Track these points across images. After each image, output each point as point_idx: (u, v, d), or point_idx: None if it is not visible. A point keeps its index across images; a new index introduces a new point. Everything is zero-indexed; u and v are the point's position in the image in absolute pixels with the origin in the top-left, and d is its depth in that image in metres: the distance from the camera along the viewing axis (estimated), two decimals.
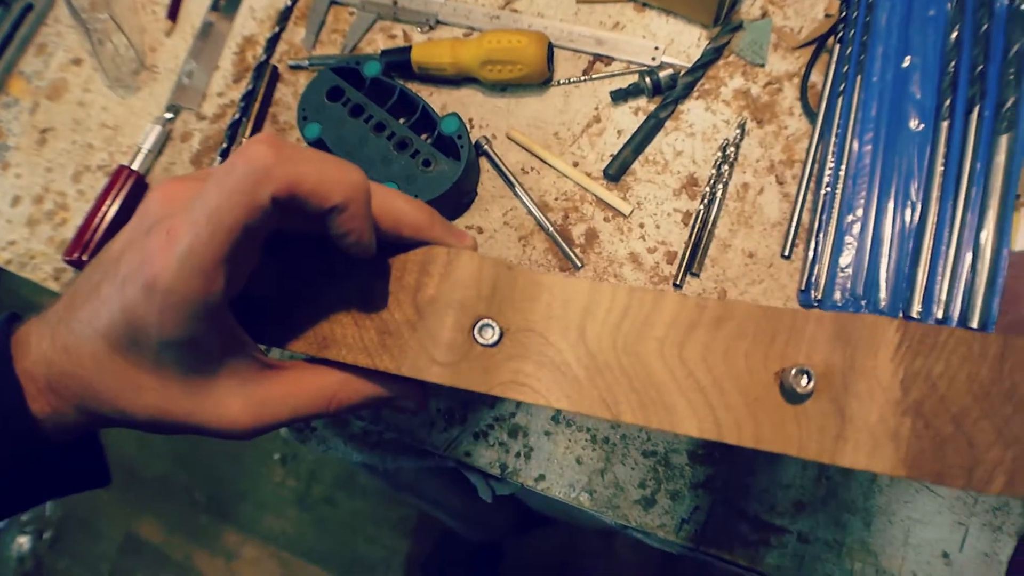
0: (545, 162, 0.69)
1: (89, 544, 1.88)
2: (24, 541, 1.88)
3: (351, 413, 0.50)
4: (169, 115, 0.74)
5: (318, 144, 0.67)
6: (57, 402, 0.40)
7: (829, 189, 0.63)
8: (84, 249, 0.69)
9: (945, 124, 0.62)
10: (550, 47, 0.69)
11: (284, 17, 0.76)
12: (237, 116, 0.73)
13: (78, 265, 0.70)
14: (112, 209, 0.70)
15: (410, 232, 0.45)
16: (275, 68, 0.74)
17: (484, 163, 0.70)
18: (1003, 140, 0.61)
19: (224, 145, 0.72)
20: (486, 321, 0.42)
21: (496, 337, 0.42)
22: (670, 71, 0.68)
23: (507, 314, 0.43)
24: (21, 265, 0.73)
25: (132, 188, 0.71)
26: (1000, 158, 0.61)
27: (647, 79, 0.68)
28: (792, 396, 0.37)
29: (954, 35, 0.64)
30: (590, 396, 0.40)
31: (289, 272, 0.47)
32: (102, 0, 0.72)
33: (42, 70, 0.80)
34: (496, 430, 0.64)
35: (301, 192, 0.37)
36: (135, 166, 0.72)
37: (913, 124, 0.63)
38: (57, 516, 1.88)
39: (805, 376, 0.36)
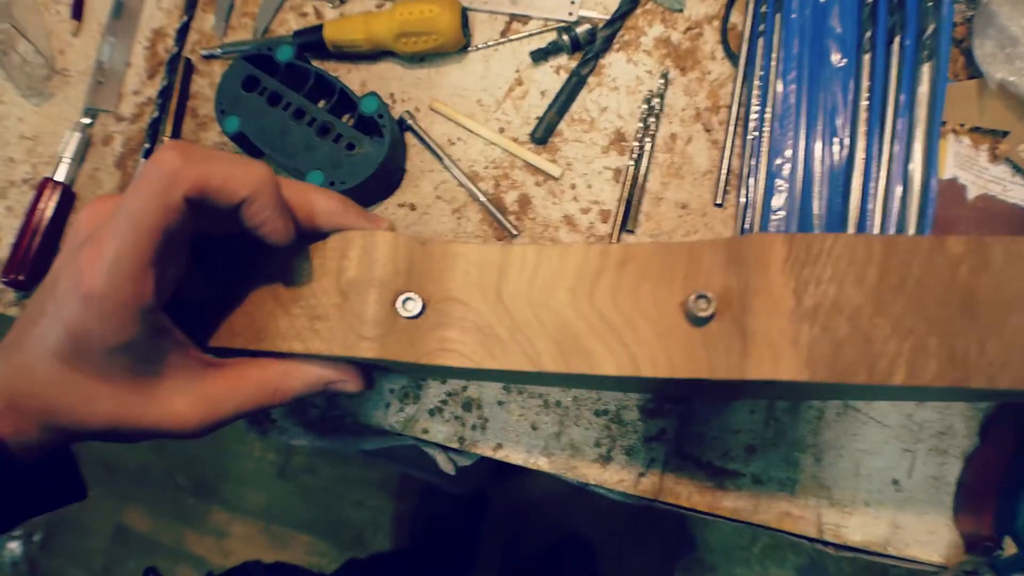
0: (471, 131, 0.68)
1: (80, 541, 1.90)
2: (15, 546, 1.91)
3: (297, 402, 0.52)
4: (87, 120, 0.73)
5: (239, 137, 0.66)
6: (21, 423, 0.42)
7: (756, 133, 0.63)
8: (20, 268, 0.68)
9: (867, 57, 0.62)
10: (464, 12, 0.67)
11: (191, 5, 0.73)
12: (156, 114, 0.71)
13: (15, 285, 0.69)
14: (43, 224, 0.69)
15: (325, 220, 0.47)
16: (188, 60, 0.72)
17: (410, 138, 0.69)
18: (925, 69, 0.60)
19: (146, 146, 0.71)
20: (408, 295, 0.44)
21: (419, 308, 0.44)
22: (588, 25, 0.66)
23: (426, 286, 0.45)
24: None
25: (60, 200, 0.70)
26: (923, 87, 0.60)
27: (565, 36, 0.66)
28: (696, 321, 0.40)
29: None
30: (513, 352, 0.43)
31: (217, 276, 0.49)
32: (2, 6, 0.69)
33: None
34: (450, 404, 0.64)
35: (210, 190, 0.40)
36: (59, 177, 0.70)
37: (835, 59, 0.62)
38: (44, 517, 1.90)
39: (703, 300, 0.39)
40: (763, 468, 0.60)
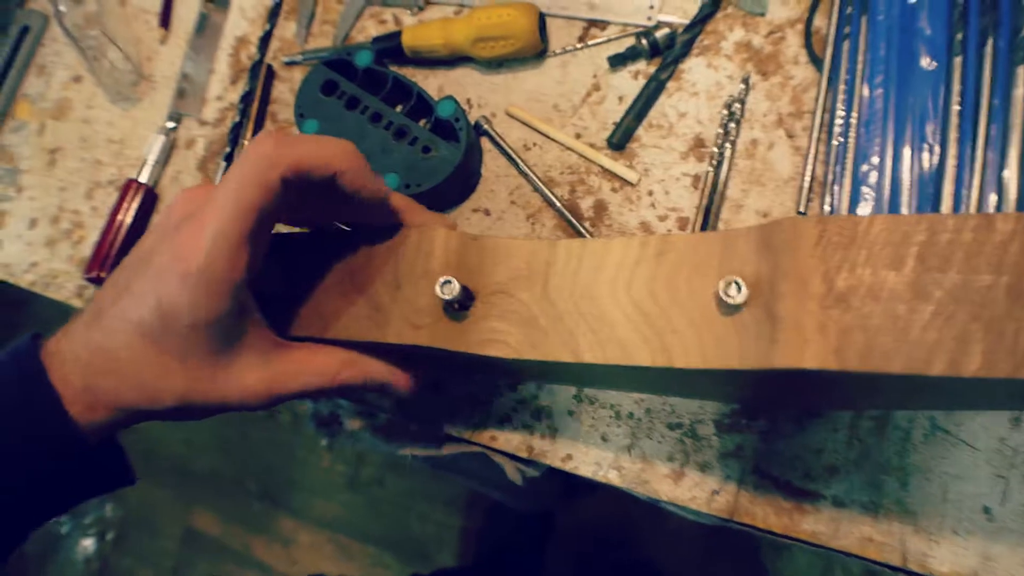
0: (547, 136, 0.67)
1: (150, 541, 1.94)
2: (88, 543, 1.96)
3: (351, 392, 0.54)
4: (171, 124, 0.75)
5: None
6: (93, 402, 0.43)
7: (842, 139, 0.61)
8: (103, 265, 0.70)
9: (958, 60, 0.59)
10: (541, 17, 0.67)
11: (274, 13, 0.75)
12: (237, 119, 0.72)
13: (99, 282, 0.71)
14: (125, 223, 0.71)
15: (393, 213, 0.51)
16: (270, 66, 0.74)
17: (486, 143, 0.69)
18: (1020, 71, 0.57)
19: (228, 149, 0.72)
20: (446, 278, 0.45)
21: (457, 291, 0.45)
22: (667, 30, 0.65)
23: (476, 279, 0.47)
24: (45, 285, 0.75)
25: (142, 201, 0.72)
26: (1019, 91, 0.57)
27: (644, 40, 0.65)
28: (728, 309, 0.39)
29: None
30: (554, 342, 0.44)
31: (290, 270, 0.52)
32: (94, 15, 0.72)
33: (45, 91, 0.81)
34: (520, 413, 0.63)
35: (307, 167, 0.44)
36: (143, 178, 0.72)
37: (925, 63, 0.60)
38: (118, 516, 1.95)
39: (734, 286, 0.38)
40: (845, 490, 0.57)
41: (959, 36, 0.59)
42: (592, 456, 0.62)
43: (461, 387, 0.65)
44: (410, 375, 0.52)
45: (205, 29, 0.77)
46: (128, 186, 0.72)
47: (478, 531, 1.76)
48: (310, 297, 0.51)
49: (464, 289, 0.46)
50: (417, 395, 0.61)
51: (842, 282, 0.35)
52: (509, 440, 0.63)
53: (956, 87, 0.59)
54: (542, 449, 0.63)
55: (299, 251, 0.53)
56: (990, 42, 0.58)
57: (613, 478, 0.61)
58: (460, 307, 0.47)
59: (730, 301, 0.38)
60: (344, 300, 0.50)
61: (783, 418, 0.59)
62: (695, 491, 0.60)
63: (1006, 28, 0.58)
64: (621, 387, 0.61)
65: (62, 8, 0.71)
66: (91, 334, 0.43)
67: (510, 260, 0.47)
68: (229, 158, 0.72)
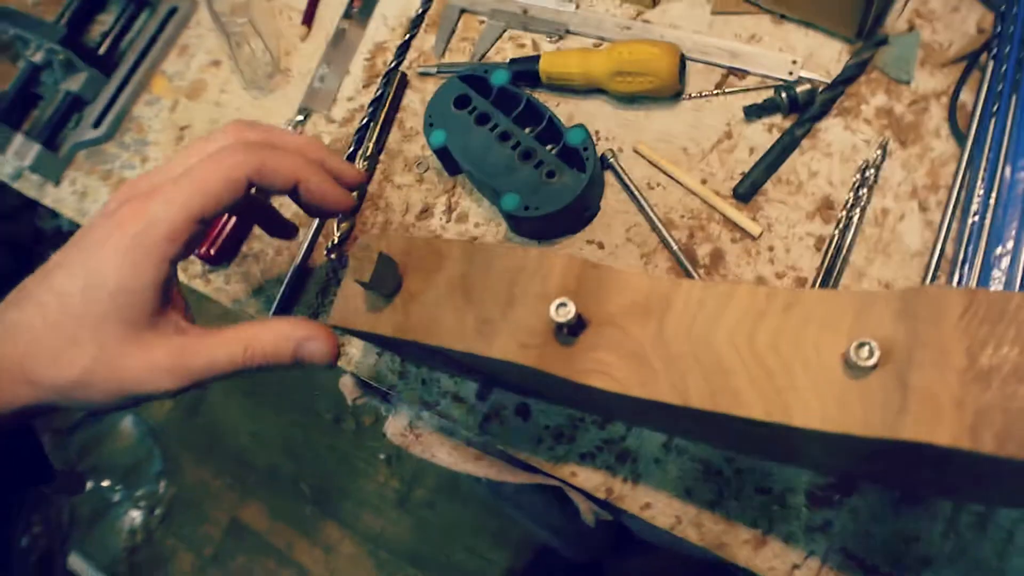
0: (672, 178, 0.66)
1: (196, 525, 1.96)
2: (136, 515, 1.99)
3: (269, 366, 0.52)
4: (300, 117, 0.76)
5: (442, 151, 0.67)
6: (6, 383, 0.44)
7: (977, 218, 0.59)
8: (212, 243, 0.72)
9: None
10: (682, 59, 0.67)
11: (415, 24, 0.76)
12: (365, 120, 0.74)
13: (205, 258, 0.72)
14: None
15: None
16: (404, 74, 0.75)
17: (609, 177, 0.68)
18: None
19: (351, 148, 0.73)
20: (561, 300, 0.44)
21: (572, 314, 0.44)
22: (808, 87, 0.65)
23: (591, 307, 0.47)
24: None
25: None
26: None
27: (783, 95, 0.65)
28: (857, 372, 0.37)
29: None
30: (663, 384, 0.43)
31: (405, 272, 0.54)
32: (242, 5, 0.74)
33: (183, 71, 0.83)
34: (604, 452, 0.62)
35: (268, 179, 0.48)
36: None
37: None
38: (169, 494, 1.98)
39: (866, 348, 0.36)
40: None
41: None
42: (673, 508, 0.60)
43: (549, 417, 0.64)
44: (330, 334, 0.52)
45: (341, 42, 0.79)
46: None
47: (523, 572, 1.73)
48: (422, 300, 0.51)
49: (578, 315, 0.45)
50: (503, 420, 0.61)
51: (986, 359, 0.34)
52: (590, 478, 0.62)
53: None
54: (622, 493, 0.61)
55: (418, 253, 0.53)
56: None
57: (691, 535, 0.59)
58: (570, 332, 0.46)
59: (860, 363, 0.37)
60: (453, 310, 0.50)
61: (879, 500, 0.56)
62: (774, 562, 0.57)
63: None
64: (716, 442, 0.60)
65: None
66: (8, 312, 0.45)
67: (628, 293, 0.47)
68: (352, 157, 0.73)
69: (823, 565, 0.56)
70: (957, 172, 0.60)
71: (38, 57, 0.79)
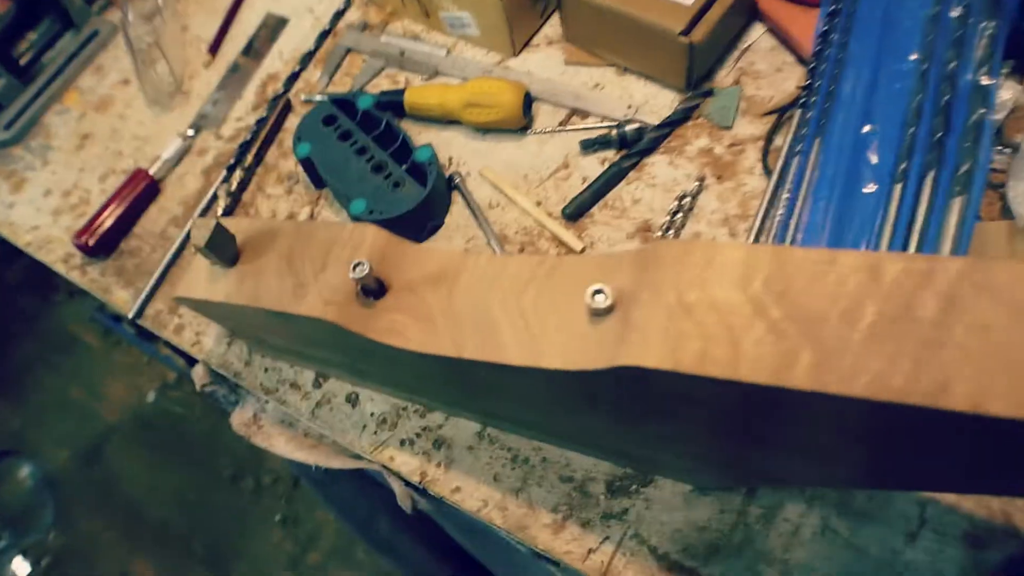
0: (511, 199, 0.72)
1: None
2: (22, 564, 1.92)
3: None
4: (191, 132, 0.83)
5: (307, 162, 0.74)
6: None
7: (776, 241, 0.64)
8: (91, 234, 0.76)
9: (899, 187, 0.63)
10: (528, 96, 0.74)
11: (306, 60, 0.85)
12: (248, 139, 0.80)
13: (84, 249, 0.77)
14: (124, 204, 0.78)
15: None
16: (289, 100, 0.83)
17: (457, 196, 0.74)
18: (956, 203, 0.60)
19: (231, 162, 0.80)
20: (358, 260, 0.48)
21: (366, 272, 0.48)
22: (637, 126, 0.72)
23: (394, 276, 0.51)
24: (38, 247, 0.81)
25: (144, 188, 0.79)
26: (952, 219, 0.60)
27: (614, 132, 0.72)
28: (594, 316, 0.41)
29: (915, 105, 0.65)
30: (444, 340, 0.47)
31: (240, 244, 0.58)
32: (154, 31, 0.82)
33: (95, 87, 0.91)
34: (422, 439, 0.65)
35: None
36: (152, 171, 0.80)
37: (868, 188, 0.64)
38: (58, 544, 1.92)
39: (600, 295, 0.40)
40: (722, 572, 0.56)
41: (903, 166, 0.63)
42: (480, 493, 0.62)
43: (377, 405, 0.67)
44: None
45: (243, 63, 0.87)
46: (136, 173, 0.79)
47: None
48: (250, 273, 0.56)
49: (378, 280, 0.50)
50: (334, 407, 0.64)
51: (692, 296, 0.38)
52: (407, 463, 0.64)
53: (892, 212, 0.62)
54: (435, 477, 0.64)
55: (256, 232, 0.58)
56: (931, 174, 0.62)
57: (496, 518, 0.61)
58: (372, 295, 0.50)
59: (595, 307, 0.40)
60: (277, 277, 0.54)
61: (673, 490, 0.59)
62: (572, 545, 0.59)
63: (948, 165, 0.62)
64: (523, 426, 0.63)
65: (130, 20, 0.81)
66: None
67: (427, 264, 0.51)
68: (231, 170, 0.79)
69: (617, 550, 0.58)
70: (762, 202, 0.66)
71: None
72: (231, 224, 0.60)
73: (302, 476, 0.91)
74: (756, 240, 0.65)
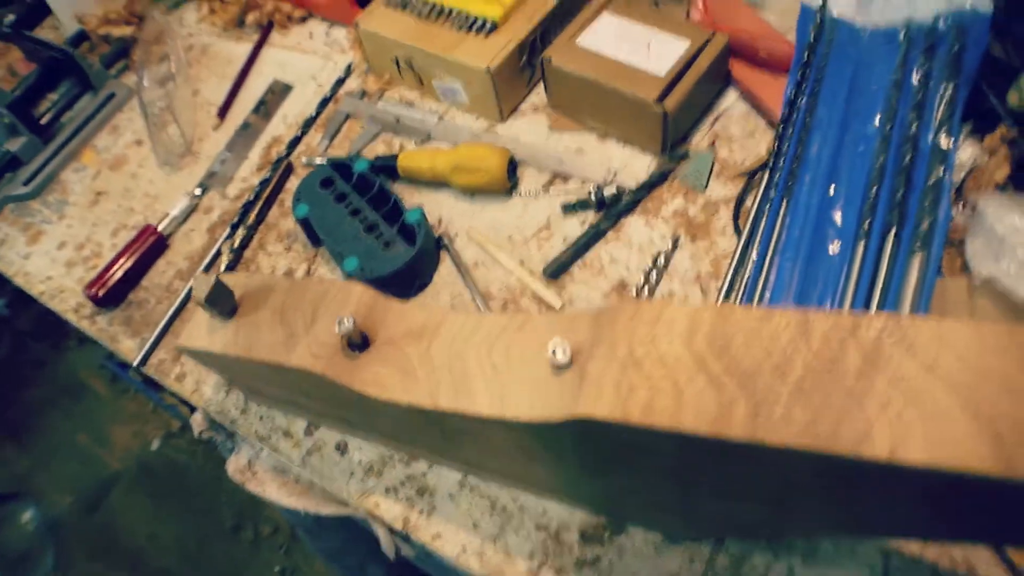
0: (495, 258, 0.76)
1: None
2: None
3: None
4: (198, 191, 0.88)
5: (304, 222, 0.78)
6: None
7: (744, 299, 0.67)
8: (102, 286, 0.81)
9: (861, 244, 0.66)
10: (512, 161, 0.79)
11: (308, 124, 0.90)
12: (250, 199, 0.85)
13: (94, 299, 0.81)
14: (133, 258, 0.82)
15: None
16: (291, 163, 0.88)
17: (445, 256, 0.78)
18: (916, 259, 0.64)
19: (235, 220, 0.84)
20: (344, 316, 0.53)
21: (349, 327, 0.52)
22: (614, 189, 0.76)
23: (378, 331, 0.55)
24: (51, 296, 0.86)
25: (153, 244, 0.83)
26: (913, 275, 0.63)
27: (593, 195, 0.76)
28: (556, 370, 0.45)
29: (878, 166, 0.69)
30: (422, 391, 0.50)
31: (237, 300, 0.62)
32: (167, 95, 0.88)
33: (111, 146, 0.97)
34: (407, 486, 0.68)
35: None
36: (160, 227, 0.85)
37: (832, 248, 0.67)
38: None
39: (560, 350, 0.44)
40: None
41: (866, 224, 0.67)
42: (460, 539, 0.65)
43: (365, 454, 0.70)
44: None
45: (250, 126, 0.92)
46: (145, 229, 0.84)
47: None
48: (246, 325, 0.60)
49: (362, 335, 0.54)
50: (324, 455, 0.68)
51: (641, 350, 0.41)
52: (391, 509, 0.67)
53: (856, 270, 0.65)
54: (417, 524, 0.66)
55: (253, 288, 0.62)
56: (893, 231, 0.65)
57: (473, 564, 0.64)
58: (356, 348, 0.54)
59: (555, 361, 0.44)
60: (270, 330, 0.58)
61: (644, 539, 0.62)
62: None
63: (910, 222, 0.66)
64: (499, 474, 0.66)
65: (145, 84, 0.87)
66: None
67: (409, 320, 0.55)
68: (235, 228, 0.84)
69: None
70: (732, 260, 0.70)
71: None
72: (230, 279, 0.64)
73: (296, 524, 0.94)
74: (726, 298, 0.68)
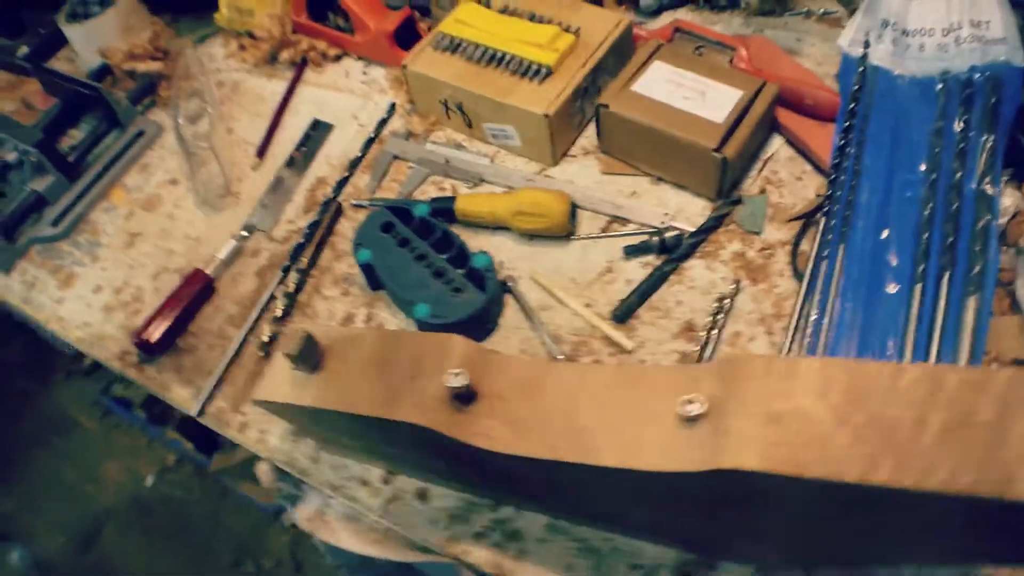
0: (561, 302, 0.78)
1: None
2: None
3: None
4: (245, 233, 0.87)
5: (367, 267, 0.78)
6: None
7: (812, 339, 0.71)
8: (152, 332, 0.79)
9: (918, 287, 0.71)
10: (573, 206, 0.80)
11: (353, 165, 0.90)
12: (302, 241, 0.84)
13: (142, 347, 0.79)
14: (182, 303, 0.81)
15: None
16: (340, 204, 0.87)
17: (508, 299, 0.80)
18: (971, 301, 0.69)
19: (287, 263, 0.83)
20: (456, 370, 0.53)
21: (464, 382, 0.53)
22: (676, 233, 0.78)
23: (482, 383, 0.55)
24: (91, 344, 0.84)
25: (202, 288, 0.82)
26: (968, 317, 0.68)
27: (655, 239, 0.78)
28: (686, 422, 0.46)
29: (927, 212, 0.74)
30: (539, 443, 0.51)
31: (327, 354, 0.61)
32: (204, 135, 0.86)
33: (142, 185, 0.95)
34: (495, 532, 0.69)
35: None
36: (208, 271, 0.83)
37: (890, 288, 0.72)
38: None
39: (694, 403, 0.45)
40: None
41: (921, 268, 0.71)
42: None
43: (446, 500, 0.71)
44: None
45: (293, 167, 0.92)
46: (195, 274, 0.82)
47: None
48: (338, 378, 0.60)
49: (469, 387, 0.54)
50: (404, 503, 0.69)
51: (779, 406, 0.43)
52: (481, 556, 0.68)
53: (915, 310, 0.70)
54: (510, 569, 0.67)
55: (337, 339, 0.61)
56: (947, 276, 0.70)
57: None
58: (463, 401, 0.55)
59: (688, 414, 0.46)
60: (367, 383, 0.58)
61: (738, 574, 0.65)
62: None
63: (961, 266, 0.70)
64: (595, 519, 0.67)
65: (181, 122, 0.85)
66: None
67: (514, 372, 0.56)
68: (286, 271, 0.83)
69: None
70: (796, 302, 0.73)
71: (11, 156, 0.88)
72: (313, 329, 0.64)
73: (342, 564, 0.93)
74: (792, 339, 0.72)
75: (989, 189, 0.74)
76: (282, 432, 0.76)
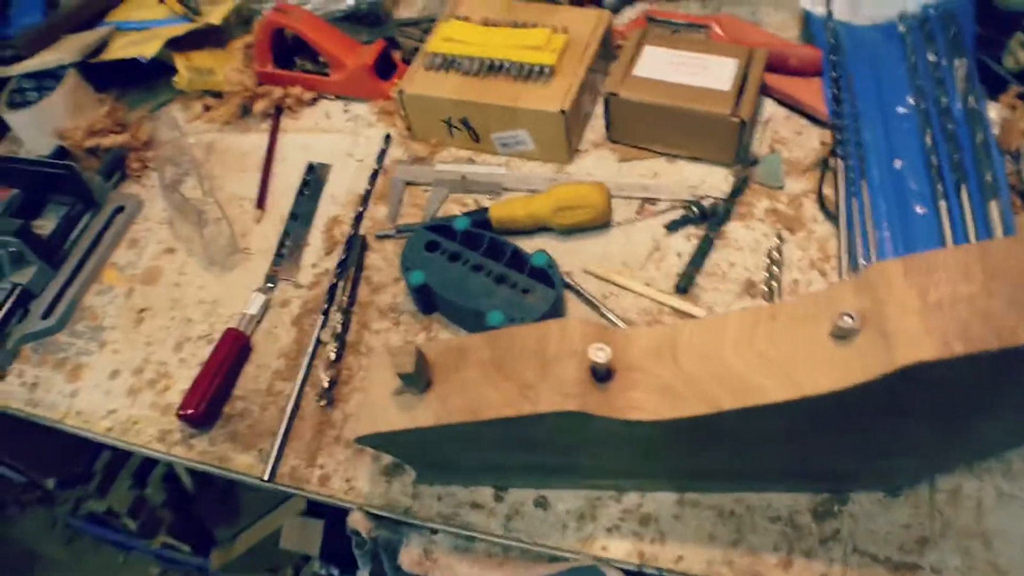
0: (622, 287, 0.78)
1: None
2: None
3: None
4: (269, 285, 0.82)
5: (422, 288, 0.75)
6: None
7: (864, 264, 0.75)
8: (199, 403, 0.72)
9: (943, 204, 0.76)
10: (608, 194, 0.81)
11: (365, 199, 0.87)
12: (335, 281, 0.80)
13: (189, 420, 0.72)
14: (223, 367, 0.74)
15: None
16: (364, 238, 0.84)
17: (567, 294, 0.79)
18: (993, 205, 0.75)
19: (324, 306, 0.79)
20: (598, 344, 0.52)
21: (609, 354, 0.51)
22: (711, 200, 0.81)
23: (613, 359, 0.53)
24: (123, 431, 0.76)
25: (240, 347, 0.76)
26: (995, 219, 0.74)
27: (694, 208, 0.80)
28: (844, 340, 0.47)
29: (927, 139, 0.80)
30: (691, 401, 0.51)
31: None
32: (207, 190, 0.81)
33: (135, 260, 0.88)
34: (627, 521, 0.67)
35: None
36: (241, 327, 0.77)
37: (919, 209, 0.77)
38: None
39: (848, 317, 0.46)
40: (939, 558, 0.63)
41: (939, 187, 0.77)
42: (703, 555, 0.65)
43: (567, 502, 0.68)
44: None
45: (298, 214, 0.89)
46: (228, 334, 0.76)
47: None
48: (453, 390, 0.57)
49: (610, 362, 0.53)
50: (524, 515, 0.68)
51: (932, 297, 0.45)
52: (620, 548, 0.66)
53: (946, 225, 0.75)
54: (653, 554, 0.66)
55: (438, 354, 0.59)
56: (964, 188, 0.76)
57: (726, 573, 0.64)
58: (601, 380, 0.54)
59: (846, 327, 0.46)
60: (492, 387, 0.56)
61: (868, 500, 0.66)
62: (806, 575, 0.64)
63: (973, 177, 0.77)
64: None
65: (168, 188, 0.79)
66: None
67: (640, 342, 0.55)
68: (326, 314, 0.79)
69: (846, 568, 0.63)
70: (839, 242, 0.77)
71: None
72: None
73: None
74: (843, 273, 0.75)
75: (975, 106, 0.81)
76: (371, 475, 0.71)
